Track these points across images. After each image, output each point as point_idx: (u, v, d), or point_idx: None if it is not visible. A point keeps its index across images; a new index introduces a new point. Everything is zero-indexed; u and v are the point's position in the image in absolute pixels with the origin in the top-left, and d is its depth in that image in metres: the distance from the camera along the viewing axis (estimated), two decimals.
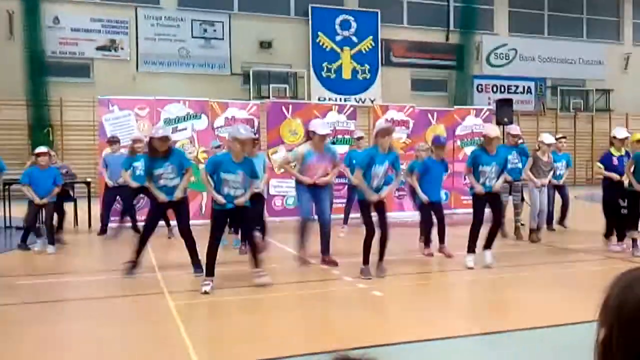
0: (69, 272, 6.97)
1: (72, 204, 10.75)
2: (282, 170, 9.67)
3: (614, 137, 7.92)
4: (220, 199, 5.66)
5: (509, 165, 8.02)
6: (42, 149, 8.39)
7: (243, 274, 6.24)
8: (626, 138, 7.88)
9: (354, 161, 7.89)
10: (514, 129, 9.21)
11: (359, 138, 10.39)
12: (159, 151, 6.27)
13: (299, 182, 7.00)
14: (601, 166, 7.87)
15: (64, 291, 5.94)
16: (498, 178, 6.79)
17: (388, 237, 6.36)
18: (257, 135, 9.77)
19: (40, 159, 8.15)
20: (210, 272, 5.67)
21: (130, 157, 9.41)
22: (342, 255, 7.13)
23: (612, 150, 7.88)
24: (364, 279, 6.10)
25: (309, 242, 7.05)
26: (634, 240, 7.46)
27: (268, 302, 5.39)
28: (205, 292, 5.45)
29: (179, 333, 4.29)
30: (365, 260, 6.29)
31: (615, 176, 7.64)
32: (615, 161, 7.76)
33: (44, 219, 8.47)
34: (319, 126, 6.96)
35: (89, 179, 11.54)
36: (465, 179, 10.71)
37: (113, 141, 10.19)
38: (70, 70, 18.80)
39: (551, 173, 8.86)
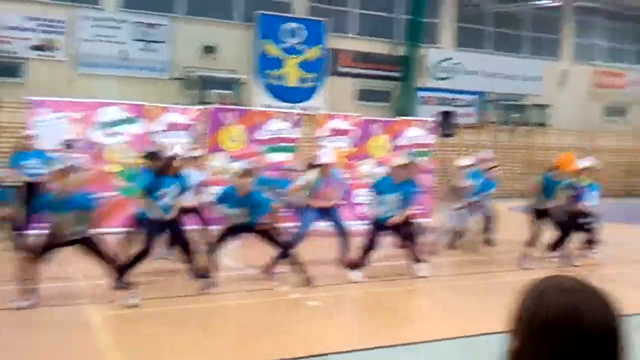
0: None
1: None
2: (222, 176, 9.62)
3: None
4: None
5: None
6: None
7: (171, 285, 5.99)
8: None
9: None
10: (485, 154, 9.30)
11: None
12: (170, 169, 6.19)
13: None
14: (568, 193, 7.97)
15: None
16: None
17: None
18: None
19: None
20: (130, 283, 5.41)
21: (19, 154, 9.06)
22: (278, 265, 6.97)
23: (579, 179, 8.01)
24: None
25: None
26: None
27: (200, 312, 5.25)
28: (135, 305, 5.14)
29: (102, 345, 4.12)
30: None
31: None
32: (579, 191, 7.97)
33: None
34: (325, 155, 7.63)
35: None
36: None
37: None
38: (2, 70, 17.87)
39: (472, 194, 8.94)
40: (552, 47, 26.44)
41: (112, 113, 11.33)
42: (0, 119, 17.30)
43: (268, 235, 6.40)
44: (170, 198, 6.07)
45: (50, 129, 10.56)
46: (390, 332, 4.70)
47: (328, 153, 7.59)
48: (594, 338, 1.02)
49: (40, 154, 9.23)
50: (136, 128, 11.43)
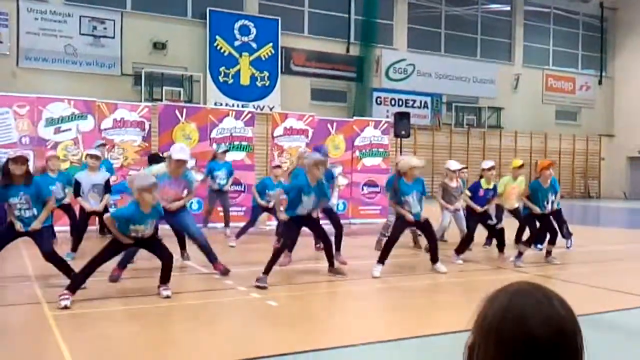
0: None
1: None
2: None
3: (483, 170, 8.32)
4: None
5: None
6: None
7: (124, 284, 5.75)
8: (492, 168, 8.31)
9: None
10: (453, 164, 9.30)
11: (276, 167, 9.97)
12: (15, 176, 5.47)
13: None
14: (468, 193, 8.21)
15: None
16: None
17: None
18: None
19: None
20: (76, 286, 5.16)
21: None
22: (236, 265, 6.89)
23: (482, 182, 8.25)
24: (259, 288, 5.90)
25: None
26: (520, 253, 7.77)
27: (155, 312, 5.04)
28: (65, 307, 4.88)
29: (58, 345, 3.94)
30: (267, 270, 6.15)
31: (477, 208, 8.01)
32: (481, 192, 8.14)
33: None
34: (176, 151, 6.51)
35: None
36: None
37: None
38: None
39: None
40: (504, 51, 27.04)
41: (60, 109, 10.86)
42: None
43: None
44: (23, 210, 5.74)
45: None
46: (401, 326, 4.76)
47: (182, 149, 6.69)
48: (542, 342, 1.02)
49: None
50: (85, 125, 11.01)
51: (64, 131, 10.83)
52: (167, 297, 5.33)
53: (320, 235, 6.75)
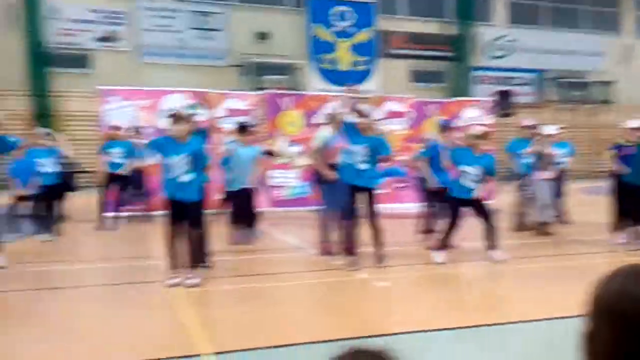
0: (72, 260, 7.02)
1: (73, 193, 10.85)
2: (281, 160, 9.80)
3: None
4: None
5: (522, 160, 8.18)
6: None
7: (240, 264, 6.34)
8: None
9: None
10: (527, 120, 9.12)
11: None
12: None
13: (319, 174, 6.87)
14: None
15: (70, 278, 5.97)
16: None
17: (379, 227, 6.24)
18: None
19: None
20: (173, 266, 5.53)
21: (106, 143, 9.67)
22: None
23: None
24: (354, 270, 6.03)
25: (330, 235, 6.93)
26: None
27: (271, 291, 5.39)
28: (176, 285, 5.35)
29: (184, 320, 4.35)
30: (353, 251, 6.20)
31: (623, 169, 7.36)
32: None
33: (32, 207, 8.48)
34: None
35: (89, 169, 11.63)
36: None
37: (116, 128, 10.28)
38: (71, 61, 18.79)
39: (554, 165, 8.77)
40: (612, 22, 25.46)
41: (177, 100, 11.82)
42: (71, 107, 18.31)
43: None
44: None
45: (120, 116, 11.18)
46: (461, 315, 4.75)
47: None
48: None
49: (124, 144, 9.78)
50: (199, 115, 11.90)
51: None
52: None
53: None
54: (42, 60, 18.11)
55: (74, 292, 5.44)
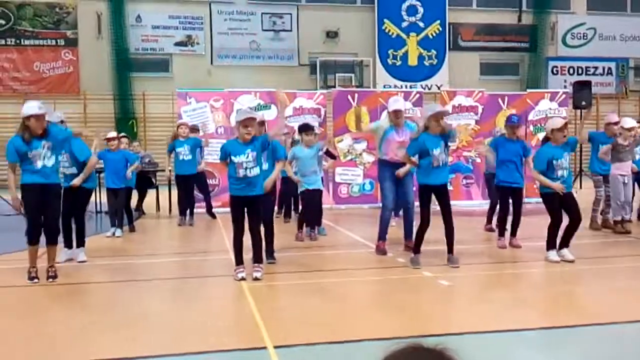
0: (147, 255, 7.44)
1: (154, 191, 11.57)
2: (348, 158, 9.99)
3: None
4: None
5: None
6: (111, 134, 9.10)
7: (304, 260, 6.59)
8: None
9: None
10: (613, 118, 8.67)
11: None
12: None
13: (382, 166, 7.04)
14: None
15: (145, 271, 6.34)
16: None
17: (453, 227, 6.24)
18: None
19: (109, 144, 8.75)
20: (239, 261, 5.81)
21: (172, 142, 9.88)
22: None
23: None
24: (416, 268, 6.08)
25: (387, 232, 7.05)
26: None
27: (334, 287, 5.54)
28: (242, 279, 5.60)
29: (252, 314, 4.58)
30: (417, 250, 6.28)
31: None
32: None
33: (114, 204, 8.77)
34: (392, 103, 7.12)
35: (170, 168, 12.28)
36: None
37: (193, 129, 10.45)
38: (152, 66, 19.90)
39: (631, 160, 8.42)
40: None
41: (248, 101, 12.28)
42: (151, 110, 19.38)
43: None
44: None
45: (195, 117, 11.77)
46: (523, 316, 4.71)
47: (394, 101, 7.18)
48: None
49: (192, 140, 9.93)
50: (270, 114, 12.29)
51: None
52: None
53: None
54: (126, 66, 19.30)
55: (149, 284, 5.86)
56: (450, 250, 6.27)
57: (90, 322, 4.47)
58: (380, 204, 7.51)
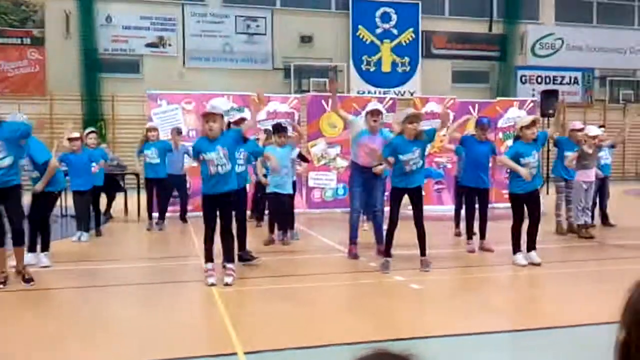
0: (115, 259, 7.32)
1: (122, 194, 11.34)
2: (322, 162, 9.94)
3: None
4: None
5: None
6: (74, 134, 8.33)
7: (275, 265, 6.54)
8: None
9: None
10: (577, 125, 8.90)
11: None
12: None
13: (354, 169, 7.00)
14: None
15: (112, 277, 6.25)
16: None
17: (424, 230, 6.28)
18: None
19: (72, 144, 8.12)
20: (208, 258, 5.75)
21: (143, 145, 9.67)
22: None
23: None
24: (385, 273, 6.09)
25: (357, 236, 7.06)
26: None
27: (305, 292, 5.53)
28: (212, 284, 5.53)
29: (222, 319, 4.52)
30: (387, 253, 6.26)
31: None
32: None
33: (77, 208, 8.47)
34: (370, 105, 7.12)
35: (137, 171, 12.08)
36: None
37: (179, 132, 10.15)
38: (122, 67, 19.56)
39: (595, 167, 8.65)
40: None
41: (221, 103, 12.16)
42: (120, 111, 19.06)
43: None
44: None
45: (166, 120, 11.61)
46: (496, 319, 4.77)
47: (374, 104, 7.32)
48: None
49: (160, 144, 9.73)
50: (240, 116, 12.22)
51: None
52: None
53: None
54: (95, 66, 18.93)
55: (115, 290, 5.73)
56: (422, 253, 6.31)
57: (55, 329, 4.35)
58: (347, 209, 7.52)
